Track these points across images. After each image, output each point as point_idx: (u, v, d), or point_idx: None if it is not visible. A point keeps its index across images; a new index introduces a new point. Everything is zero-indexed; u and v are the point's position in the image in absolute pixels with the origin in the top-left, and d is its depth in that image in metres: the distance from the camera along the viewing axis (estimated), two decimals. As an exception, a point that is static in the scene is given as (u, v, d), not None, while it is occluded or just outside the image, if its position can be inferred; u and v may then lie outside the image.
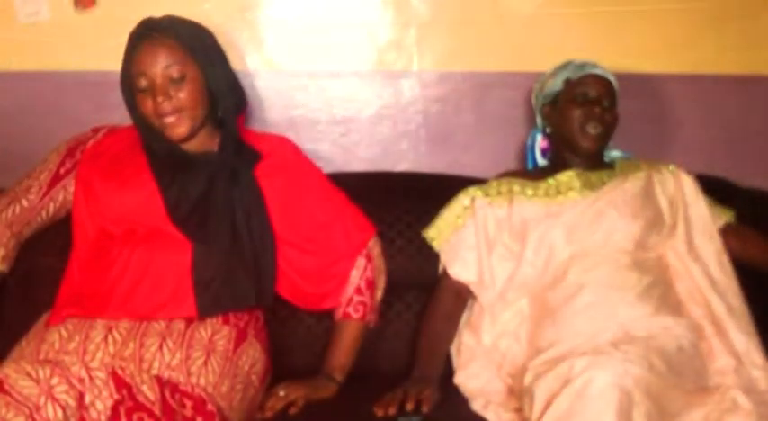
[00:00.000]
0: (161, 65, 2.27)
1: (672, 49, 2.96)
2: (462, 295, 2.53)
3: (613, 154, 2.63)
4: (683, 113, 2.99)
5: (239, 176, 2.36)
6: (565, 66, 2.59)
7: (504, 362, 2.42)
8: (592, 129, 2.50)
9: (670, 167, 2.59)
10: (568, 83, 2.55)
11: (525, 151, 2.73)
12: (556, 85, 2.57)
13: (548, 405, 2.04)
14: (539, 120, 2.66)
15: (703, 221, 2.52)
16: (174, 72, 2.28)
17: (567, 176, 2.52)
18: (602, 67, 2.57)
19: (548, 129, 2.62)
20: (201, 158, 2.36)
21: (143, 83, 2.28)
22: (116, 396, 2.00)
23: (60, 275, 2.39)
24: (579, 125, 2.50)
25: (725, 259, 2.50)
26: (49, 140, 2.55)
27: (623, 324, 2.27)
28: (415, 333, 2.53)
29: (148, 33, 2.31)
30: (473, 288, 2.50)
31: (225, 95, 2.37)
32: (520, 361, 2.36)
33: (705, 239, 2.50)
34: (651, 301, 2.33)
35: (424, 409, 2.22)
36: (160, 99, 2.27)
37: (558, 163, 2.59)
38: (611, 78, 2.56)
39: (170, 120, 2.29)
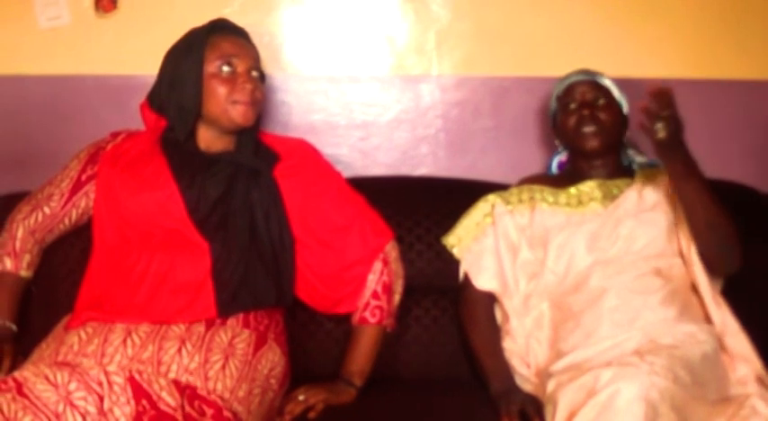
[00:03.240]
0: (252, 58, 2.37)
1: (688, 54, 2.95)
2: (491, 298, 2.53)
3: (638, 160, 2.62)
4: (701, 119, 2.97)
5: (259, 177, 2.37)
6: (556, 86, 2.64)
7: (530, 362, 2.42)
8: (586, 129, 2.51)
9: None
10: (558, 99, 2.59)
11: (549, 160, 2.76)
12: (552, 106, 2.63)
13: (571, 415, 2.04)
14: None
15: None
16: (257, 71, 2.37)
17: (588, 187, 2.52)
18: (589, 72, 2.59)
19: (560, 149, 2.66)
20: (220, 158, 2.37)
21: (228, 66, 2.33)
22: (134, 403, 2.01)
23: (80, 279, 2.40)
24: (573, 131, 2.52)
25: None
26: (71, 144, 2.56)
27: (647, 330, 2.26)
28: (469, 351, 2.52)
29: (233, 29, 2.40)
30: (498, 295, 2.50)
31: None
32: (542, 363, 2.37)
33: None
34: (674, 306, 2.32)
35: None
36: (250, 86, 2.32)
37: (576, 174, 2.58)
38: (598, 78, 2.57)
39: (247, 105, 2.33)
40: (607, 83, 2.57)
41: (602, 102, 2.53)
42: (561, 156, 2.69)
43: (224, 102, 2.32)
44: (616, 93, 2.58)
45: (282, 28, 2.87)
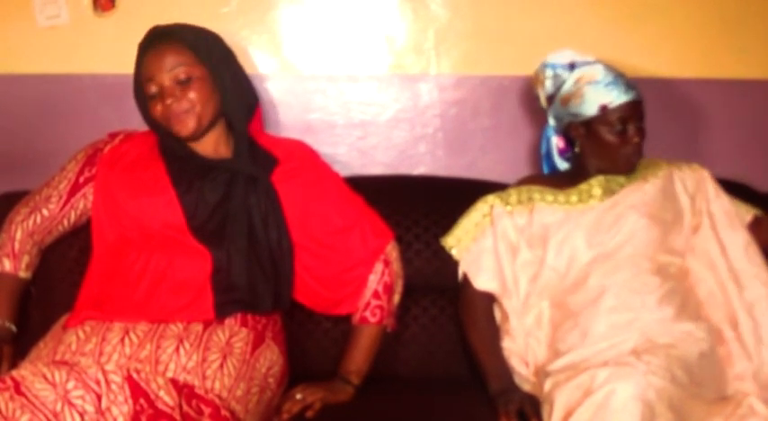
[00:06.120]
0: (167, 68, 2.30)
1: (688, 54, 2.95)
2: (490, 299, 2.52)
3: None
4: (701, 118, 2.98)
5: (257, 182, 2.36)
6: (593, 81, 2.48)
7: (529, 361, 2.42)
8: (633, 158, 2.48)
9: (692, 165, 2.58)
10: (604, 110, 2.45)
11: (540, 158, 2.69)
12: (589, 108, 2.46)
13: (567, 415, 2.05)
14: (551, 121, 2.60)
15: (728, 215, 2.50)
16: (181, 73, 2.31)
17: (587, 185, 2.50)
18: (629, 79, 2.49)
19: (576, 149, 2.54)
20: (219, 164, 2.37)
21: (152, 88, 2.31)
22: (132, 402, 2.01)
23: (79, 278, 2.42)
24: (618, 154, 2.47)
25: (753, 249, 2.48)
26: (69, 143, 2.57)
27: (645, 330, 2.26)
28: (469, 351, 2.52)
29: (155, 40, 2.34)
30: (497, 295, 2.50)
31: (233, 95, 2.39)
32: (540, 362, 2.37)
33: (729, 232, 2.48)
34: (672, 305, 2.32)
35: None
36: (169, 101, 2.29)
37: (579, 170, 2.56)
38: (641, 95, 2.50)
39: (177, 119, 2.31)
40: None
41: (642, 123, 2.49)
42: (556, 141, 2.61)
43: (162, 120, 2.32)
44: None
45: (280, 27, 2.86)
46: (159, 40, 2.34)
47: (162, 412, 2.02)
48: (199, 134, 2.35)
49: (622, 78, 2.48)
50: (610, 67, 2.51)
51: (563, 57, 2.56)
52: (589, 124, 2.49)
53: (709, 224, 2.50)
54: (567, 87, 2.51)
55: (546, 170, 2.67)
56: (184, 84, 2.31)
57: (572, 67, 2.53)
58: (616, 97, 2.45)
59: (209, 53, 2.36)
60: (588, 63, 2.53)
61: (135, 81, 2.37)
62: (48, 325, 2.37)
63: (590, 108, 2.47)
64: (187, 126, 2.31)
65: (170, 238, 2.29)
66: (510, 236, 2.50)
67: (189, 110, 2.31)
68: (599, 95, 2.46)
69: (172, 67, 2.30)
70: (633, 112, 2.46)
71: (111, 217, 2.35)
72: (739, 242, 2.48)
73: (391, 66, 2.91)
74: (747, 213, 2.56)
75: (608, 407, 1.98)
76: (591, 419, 1.99)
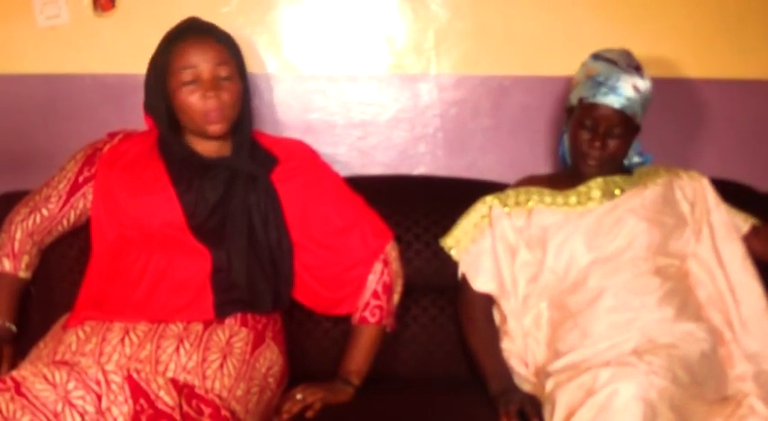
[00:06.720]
0: (212, 61, 2.29)
1: (688, 54, 2.95)
2: (489, 299, 2.53)
3: (635, 160, 2.60)
4: (702, 118, 2.98)
5: (257, 181, 2.36)
6: (592, 75, 2.46)
7: (529, 361, 2.42)
8: (591, 161, 2.46)
9: (690, 173, 2.58)
10: (581, 102, 2.46)
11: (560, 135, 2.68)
12: (573, 98, 2.50)
13: (569, 415, 2.05)
14: None
15: (725, 227, 2.50)
16: (223, 71, 2.31)
17: (586, 187, 2.49)
18: (625, 96, 2.41)
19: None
20: (218, 163, 2.37)
21: (189, 76, 2.29)
22: (132, 402, 2.01)
23: (79, 278, 2.41)
24: (581, 151, 2.47)
25: (748, 263, 2.49)
26: (69, 143, 2.57)
27: (645, 330, 2.27)
28: (469, 352, 2.52)
29: (193, 32, 2.33)
30: (496, 297, 2.50)
31: (246, 100, 2.40)
32: (540, 362, 2.37)
33: (727, 243, 2.49)
34: (672, 306, 2.33)
35: None
36: (211, 93, 2.28)
37: (578, 169, 2.54)
38: (627, 108, 2.41)
39: (214, 115, 2.30)
40: (635, 109, 2.43)
41: (618, 131, 2.43)
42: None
43: (198, 112, 2.30)
44: (638, 113, 2.46)
45: (280, 27, 2.86)
46: (198, 33, 2.33)
47: (162, 412, 2.03)
48: (225, 136, 2.36)
49: (623, 85, 2.41)
50: (623, 72, 2.43)
51: (611, 52, 2.51)
52: (571, 115, 2.51)
53: (709, 234, 2.50)
54: (578, 71, 2.53)
55: (560, 150, 2.64)
56: (224, 81, 2.31)
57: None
58: (592, 96, 2.43)
59: (239, 59, 2.37)
60: (612, 61, 2.47)
61: (155, 67, 2.34)
62: (48, 325, 2.37)
63: (573, 97, 2.50)
64: (220, 128, 2.31)
65: (170, 238, 2.29)
66: (508, 237, 2.50)
67: (224, 109, 2.30)
68: (584, 88, 2.46)
69: (217, 62, 2.30)
70: (605, 118, 2.41)
71: (111, 216, 2.35)
72: (737, 254, 2.49)
73: (391, 66, 2.91)
74: (745, 223, 2.56)
75: (610, 408, 1.99)
76: (593, 419, 1.99)
